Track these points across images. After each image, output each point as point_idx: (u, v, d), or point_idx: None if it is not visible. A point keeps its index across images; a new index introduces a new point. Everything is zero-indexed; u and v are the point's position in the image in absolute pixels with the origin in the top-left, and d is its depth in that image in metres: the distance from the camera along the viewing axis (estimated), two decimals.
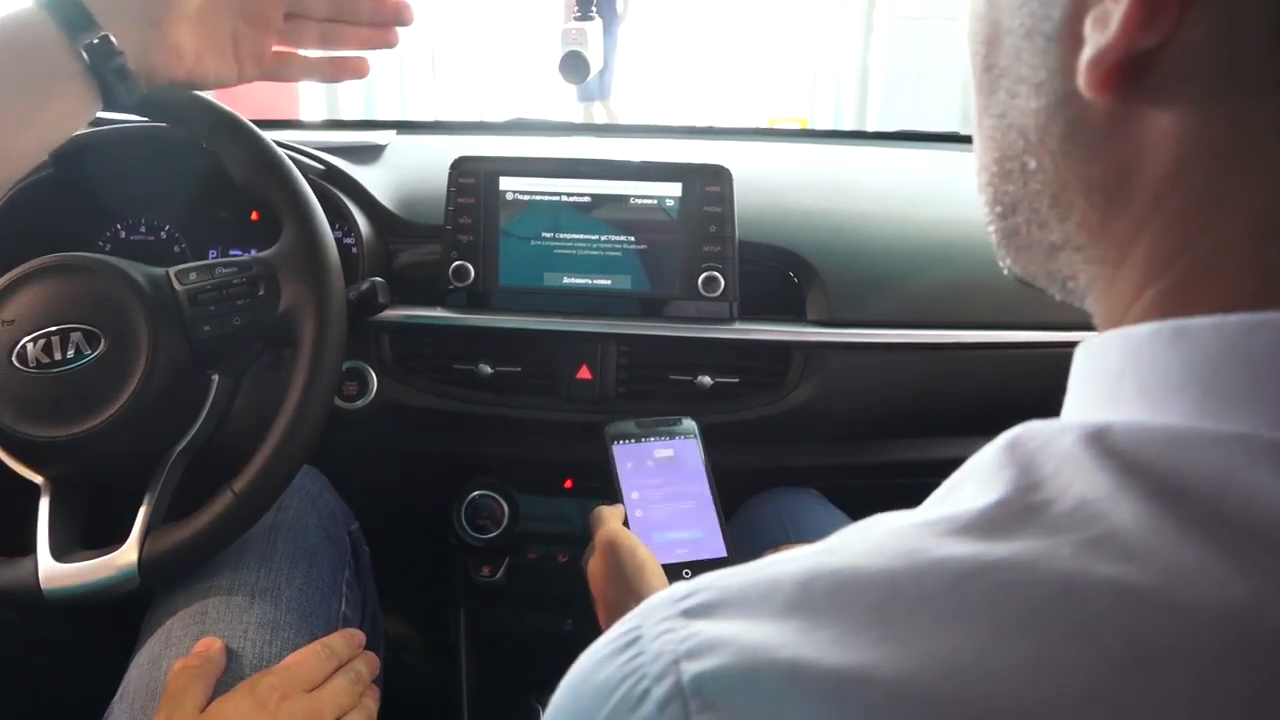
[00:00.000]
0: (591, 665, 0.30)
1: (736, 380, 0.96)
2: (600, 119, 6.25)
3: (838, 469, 0.82)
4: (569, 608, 1.06)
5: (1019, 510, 0.27)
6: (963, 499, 0.28)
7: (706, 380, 0.95)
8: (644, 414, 0.86)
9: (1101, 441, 0.27)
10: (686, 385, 0.96)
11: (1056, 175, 0.32)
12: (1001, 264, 0.38)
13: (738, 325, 0.95)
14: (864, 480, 0.82)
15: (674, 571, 0.72)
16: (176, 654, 0.69)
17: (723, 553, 0.76)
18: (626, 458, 0.81)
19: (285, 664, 0.67)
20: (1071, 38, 0.29)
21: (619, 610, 0.67)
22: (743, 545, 0.80)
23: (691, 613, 0.29)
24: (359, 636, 0.73)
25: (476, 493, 1.02)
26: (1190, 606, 0.23)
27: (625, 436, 0.82)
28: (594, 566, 0.73)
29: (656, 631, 0.29)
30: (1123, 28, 0.27)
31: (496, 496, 1.02)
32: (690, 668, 0.26)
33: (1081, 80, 0.29)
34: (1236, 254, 0.27)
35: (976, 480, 0.29)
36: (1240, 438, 0.25)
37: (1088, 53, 0.28)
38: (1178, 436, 0.26)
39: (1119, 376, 0.29)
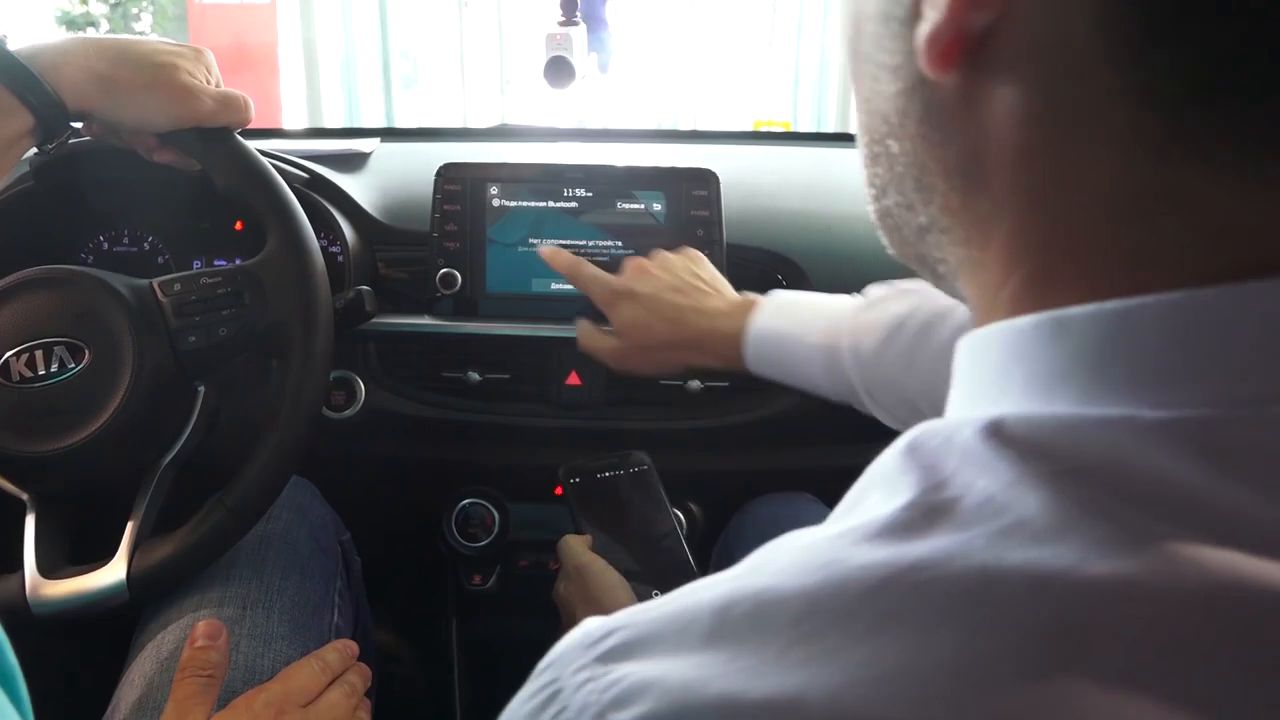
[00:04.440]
0: None
1: (726, 384, 0.96)
2: (594, 86, 6.72)
3: (830, 471, 0.82)
4: (561, 615, 1.06)
5: (929, 509, 0.27)
6: (871, 507, 0.28)
7: (696, 384, 0.95)
8: (635, 418, 0.86)
9: (998, 433, 0.27)
10: (676, 390, 0.96)
11: (916, 158, 0.33)
12: (888, 248, 0.38)
13: None
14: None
15: (643, 596, 0.73)
16: (168, 669, 0.68)
17: (691, 572, 0.77)
18: (583, 493, 0.82)
19: (280, 678, 0.66)
20: (918, 20, 0.30)
21: None
22: (739, 553, 0.81)
23: (608, 656, 0.28)
24: (352, 648, 0.72)
25: (466, 501, 1.02)
26: (1097, 582, 0.23)
27: (579, 474, 0.83)
28: (566, 592, 0.75)
29: (576, 683, 0.27)
30: (949, 7, 0.28)
31: (487, 504, 1.02)
32: (618, 719, 0.26)
33: (921, 60, 0.29)
34: (1095, 235, 0.28)
35: (882, 487, 0.29)
36: (1124, 420, 0.25)
37: (923, 31, 0.29)
38: (1067, 423, 0.26)
39: (1005, 370, 0.29)
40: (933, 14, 0.28)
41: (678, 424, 0.96)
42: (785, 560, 0.28)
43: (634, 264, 0.85)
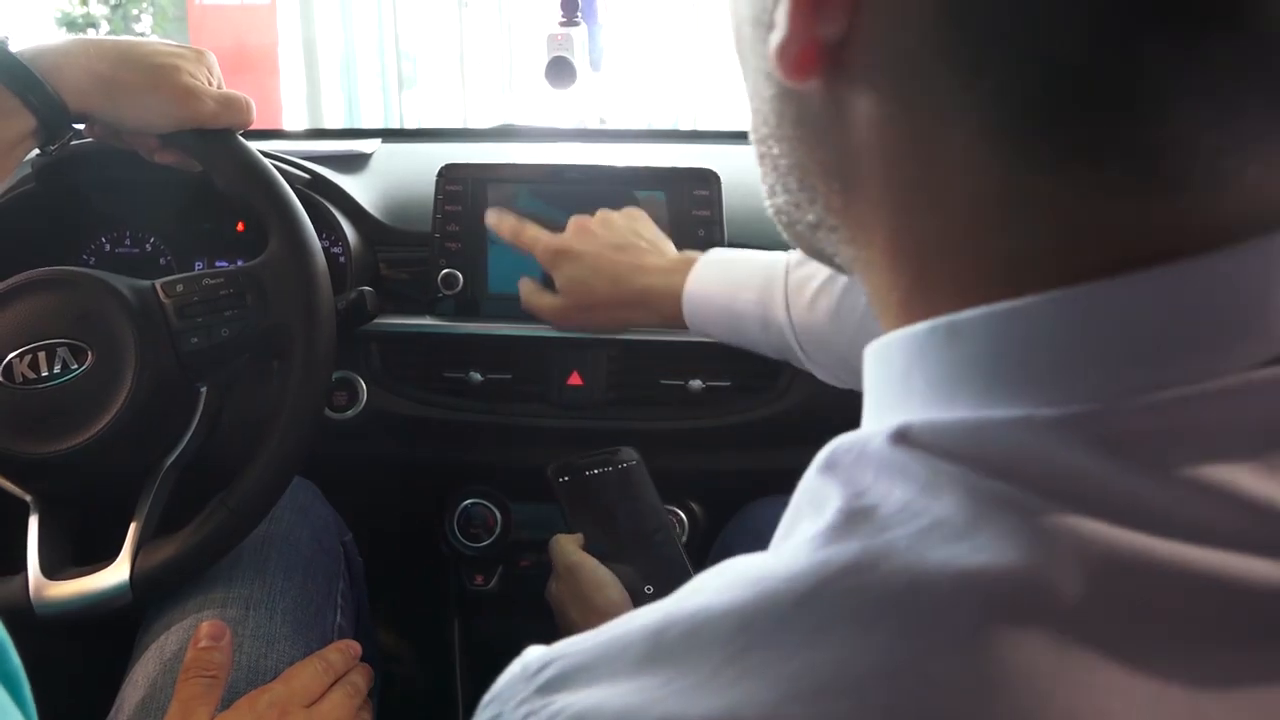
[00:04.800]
0: None
1: (728, 383, 0.96)
2: (590, 85, 6.70)
3: None
4: (555, 615, 1.06)
5: (852, 516, 0.27)
6: (803, 529, 0.29)
7: (698, 384, 0.95)
8: (636, 418, 0.86)
9: (907, 439, 0.28)
10: (678, 389, 0.96)
11: (796, 160, 0.33)
12: (789, 243, 0.39)
13: None
14: None
15: (636, 591, 0.73)
16: (172, 670, 0.68)
17: (684, 566, 0.77)
18: (573, 491, 0.82)
19: (283, 678, 0.66)
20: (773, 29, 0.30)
21: (584, 631, 0.68)
22: (737, 555, 0.81)
23: (548, 687, 0.28)
24: (355, 648, 0.72)
25: (468, 501, 1.02)
26: (1014, 569, 0.24)
27: (568, 472, 0.83)
28: (556, 592, 0.75)
29: (519, 716, 0.28)
30: (790, 19, 0.28)
31: (489, 505, 1.02)
32: None
33: (774, 69, 0.29)
34: (966, 237, 0.28)
35: (809, 510, 0.30)
36: (1022, 420, 0.26)
37: (773, 41, 0.29)
38: (971, 426, 0.27)
39: (907, 377, 0.30)
40: (780, 25, 0.28)
41: (679, 424, 0.96)
42: (721, 581, 0.28)
43: (576, 223, 0.85)
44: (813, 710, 0.23)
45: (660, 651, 0.27)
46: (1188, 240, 0.26)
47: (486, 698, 0.31)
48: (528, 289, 0.88)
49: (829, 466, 0.30)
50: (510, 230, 0.87)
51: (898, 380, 0.31)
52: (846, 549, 0.26)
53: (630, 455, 0.85)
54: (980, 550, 0.24)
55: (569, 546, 0.77)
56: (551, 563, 0.78)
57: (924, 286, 0.30)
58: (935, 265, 0.30)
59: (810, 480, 0.31)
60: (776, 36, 0.29)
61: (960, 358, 0.28)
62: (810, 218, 0.34)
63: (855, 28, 0.27)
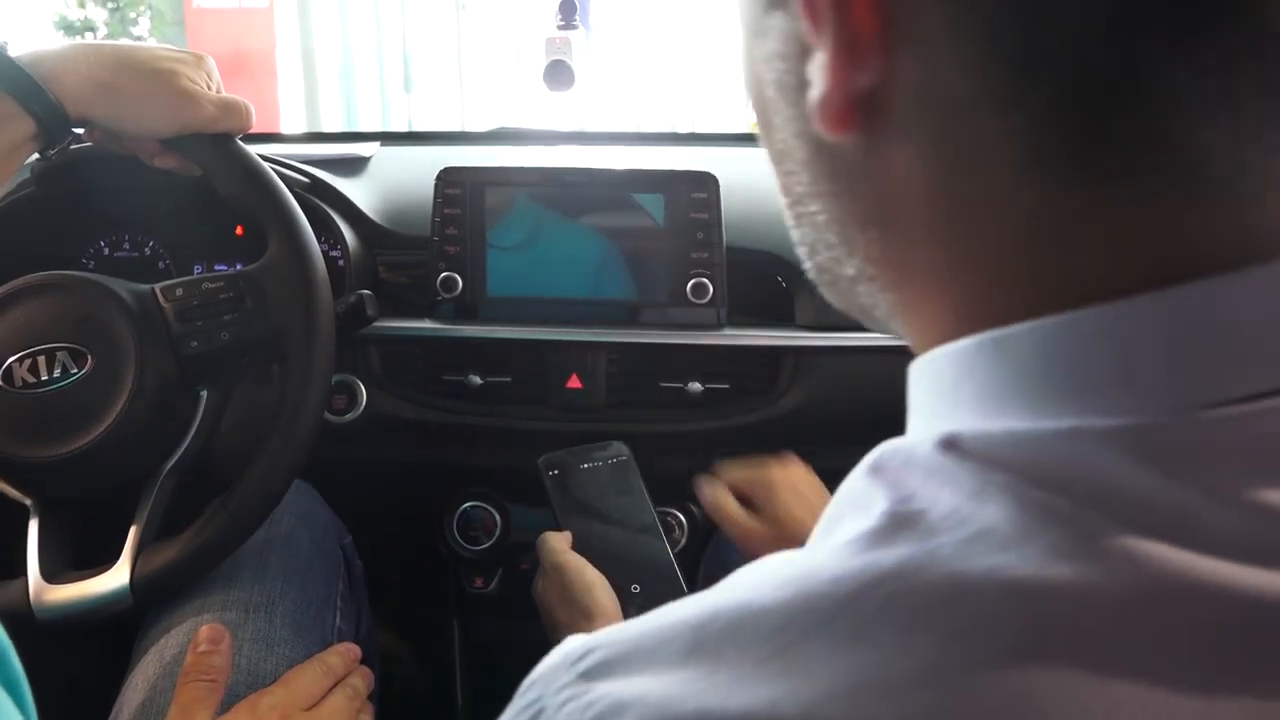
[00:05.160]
0: None
1: (727, 386, 0.96)
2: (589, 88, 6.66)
3: (830, 473, 0.82)
4: (541, 614, 1.06)
5: (898, 520, 0.27)
6: (848, 529, 0.29)
7: (697, 387, 0.95)
8: (635, 421, 0.86)
9: (955, 448, 0.28)
10: (676, 392, 0.96)
11: (833, 215, 0.33)
12: (833, 303, 0.39)
13: (727, 331, 0.95)
14: None
15: (623, 589, 0.72)
16: (171, 674, 0.68)
17: (670, 566, 0.77)
18: (561, 486, 0.82)
19: (283, 682, 0.66)
20: (808, 87, 0.30)
21: (571, 632, 0.68)
22: (732, 559, 0.80)
23: (590, 674, 0.28)
24: (355, 651, 0.72)
25: (468, 504, 1.02)
26: (1059, 584, 0.24)
27: (557, 466, 0.83)
28: (544, 591, 0.75)
29: (559, 701, 0.28)
30: (832, 74, 0.28)
31: (488, 507, 1.02)
32: None
33: (815, 125, 0.30)
34: (1012, 263, 0.29)
35: (854, 509, 0.30)
36: (1074, 431, 0.26)
37: (813, 97, 0.29)
38: (1021, 437, 0.27)
39: (955, 388, 0.30)
40: (819, 81, 0.29)
41: (678, 426, 0.97)
42: (763, 577, 0.28)
43: (786, 459, 0.81)
44: (852, 710, 0.24)
45: (703, 644, 0.27)
46: (1231, 252, 0.26)
47: (527, 682, 0.31)
48: (722, 501, 0.78)
49: (876, 469, 0.30)
50: (720, 507, 0.79)
51: (946, 392, 0.31)
52: (892, 554, 0.26)
53: (621, 450, 0.85)
54: (1027, 561, 0.24)
55: (557, 545, 0.76)
56: (539, 560, 0.78)
57: (969, 316, 0.30)
58: (979, 294, 0.30)
59: (856, 481, 0.31)
60: (815, 92, 0.29)
61: (1008, 369, 0.28)
62: (850, 271, 0.34)
63: (890, 74, 0.28)
